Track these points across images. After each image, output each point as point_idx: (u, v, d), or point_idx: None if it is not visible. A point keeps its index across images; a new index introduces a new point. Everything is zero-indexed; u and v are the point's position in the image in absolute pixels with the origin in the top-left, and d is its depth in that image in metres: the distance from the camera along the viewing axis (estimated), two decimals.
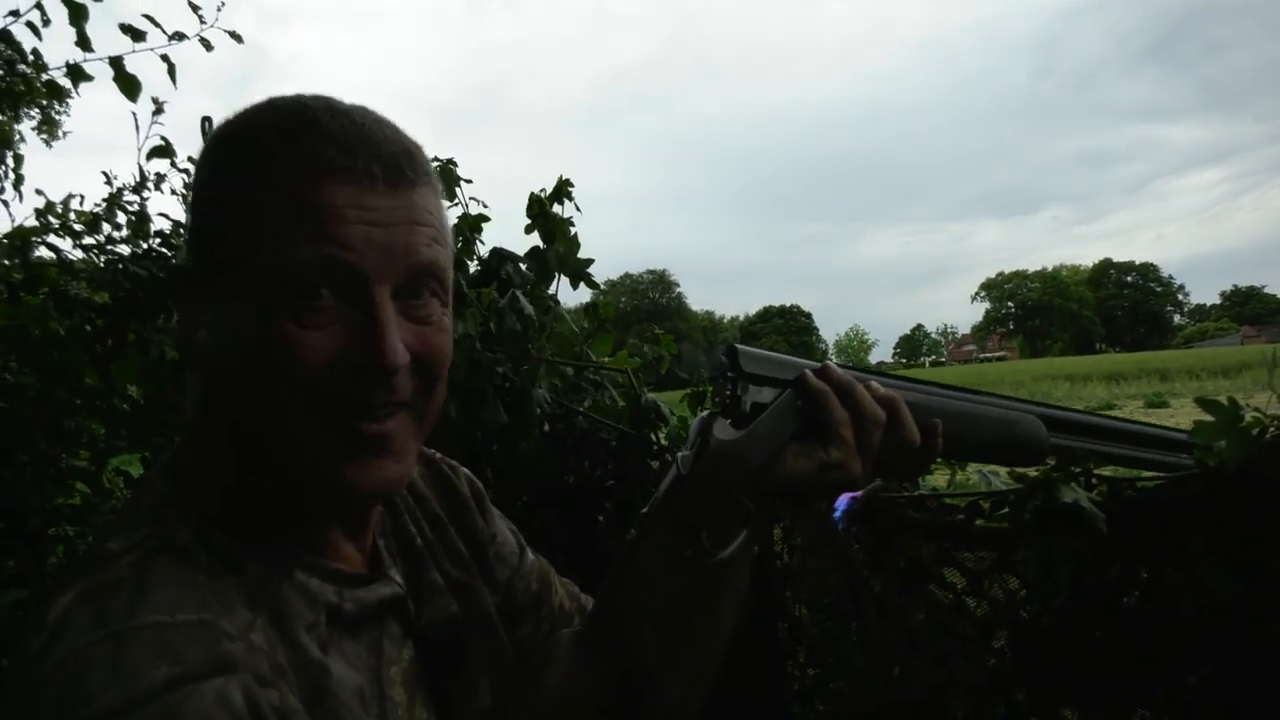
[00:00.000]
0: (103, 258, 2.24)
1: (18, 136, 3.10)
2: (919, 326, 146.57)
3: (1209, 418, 1.25)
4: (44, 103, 3.29)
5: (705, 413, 0.83)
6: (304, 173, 0.65)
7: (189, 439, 0.76)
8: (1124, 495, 1.34)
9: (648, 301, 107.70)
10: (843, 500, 1.62)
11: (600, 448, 2.01)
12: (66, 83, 2.35)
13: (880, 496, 1.60)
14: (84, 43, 2.30)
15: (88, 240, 2.29)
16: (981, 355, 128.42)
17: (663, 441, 1.92)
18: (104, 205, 2.35)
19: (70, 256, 2.23)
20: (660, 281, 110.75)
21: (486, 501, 1.02)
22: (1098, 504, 1.30)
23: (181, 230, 2.30)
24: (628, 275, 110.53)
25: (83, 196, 2.40)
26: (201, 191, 0.71)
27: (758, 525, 0.82)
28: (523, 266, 2.41)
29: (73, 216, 2.36)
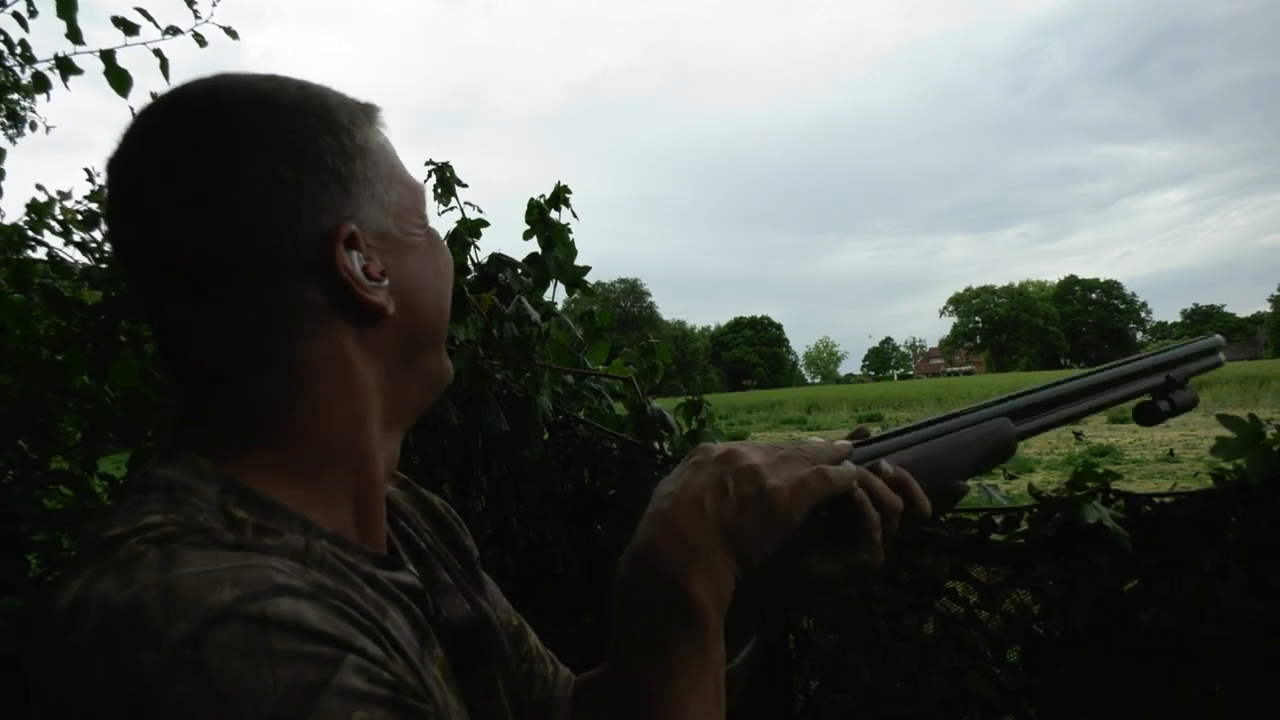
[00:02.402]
0: (95, 256, 2.18)
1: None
2: (888, 339, 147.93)
3: (1229, 433, 1.26)
4: (13, 97, 3.21)
5: None
6: (380, 130, 0.75)
7: (197, 427, 0.70)
8: (1140, 510, 1.35)
9: (619, 310, 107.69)
10: None
11: (603, 456, 1.99)
12: (54, 77, 2.29)
13: None
14: (74, 34, 2.24)
15: (78, 237, 2.23)
16: (949, 369, 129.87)
17: (668, 451, 1.90)
18: (97, 203, 2.28)
19: (62, 255, 2.17)
20: (632, 291, 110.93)
21: (463, 523, 1.00)
22: (1118, 520, 1.31)
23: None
24: (600, 284, 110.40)
25: (69, 193, 2.34)
26: (337, 158, 0.70)
27: (772, 631, 0.81)
28: (520, 273, 2.39)
29: (59, 213, 2.30)
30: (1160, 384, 0.98)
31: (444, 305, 0.78)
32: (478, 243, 2.50)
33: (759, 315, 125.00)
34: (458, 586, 0.87)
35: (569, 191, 2.57)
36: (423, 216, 0.76)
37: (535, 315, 1.94)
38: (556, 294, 2.51)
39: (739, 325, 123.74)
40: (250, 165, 0.66)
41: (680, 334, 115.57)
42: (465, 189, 2.63)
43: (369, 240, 0.70)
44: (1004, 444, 0.88)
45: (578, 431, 2.05)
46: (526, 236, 2.43)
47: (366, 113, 0.74)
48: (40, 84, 2.40)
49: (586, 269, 2.54)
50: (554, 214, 2.52)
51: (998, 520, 1.47)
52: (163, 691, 0.47)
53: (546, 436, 2.10)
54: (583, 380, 2.17)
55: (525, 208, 2.50)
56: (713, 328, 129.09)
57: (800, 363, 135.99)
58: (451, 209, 2.60)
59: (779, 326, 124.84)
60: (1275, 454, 1.21)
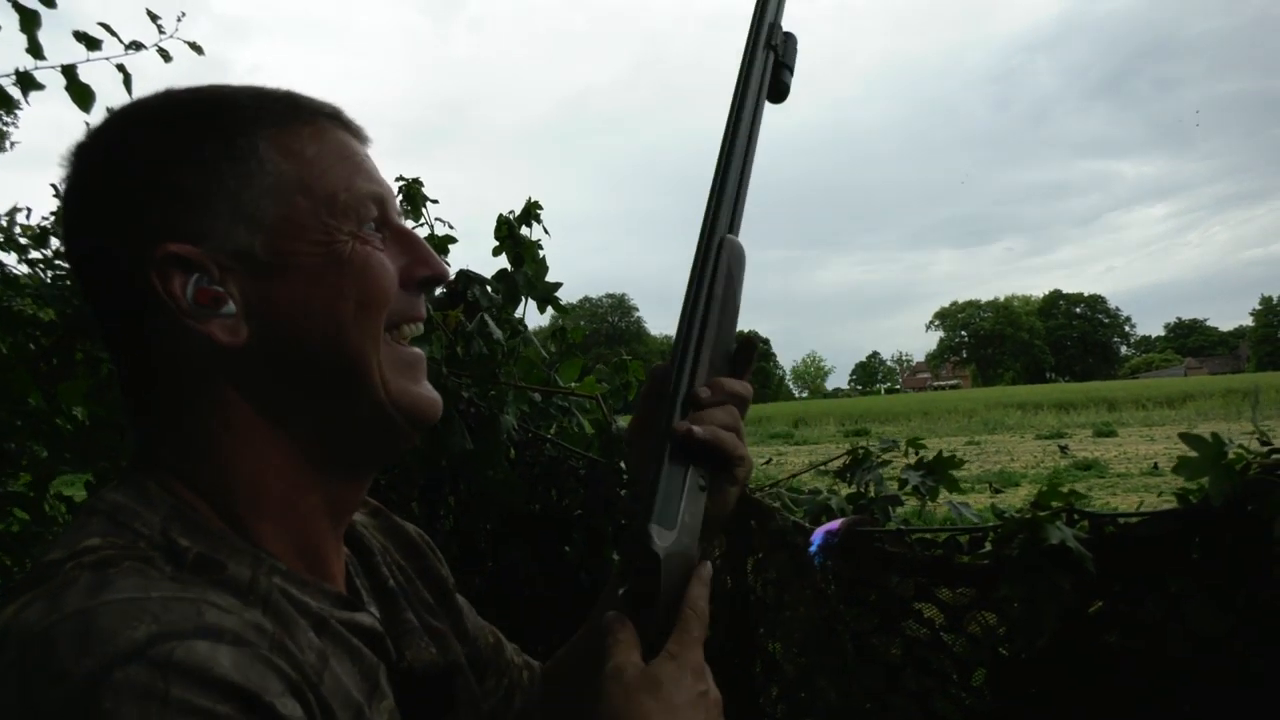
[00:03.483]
0: (49, 273, 2.14)
1: None
2: (875, 354, 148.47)
3: (1192, 453, 1.24)
4: None
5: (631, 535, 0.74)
6: (328, 126, 0.70)
7: (149, 451, 0.67)
8: (1104, 531, 1.33)
9: (606, 325, 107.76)
10: (818, 534, 1.59)
11: (569, 476, 1.96)
12: (15, 92, 2.26)
13: (857, 530, 1.57)
14: (35, 50, 2.21)
15: (34, 255, 2.19)
16: (935, 383, 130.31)
17: None
18: (51, 219, 2.25)
19: (14, 271, 2.13)
20: (620, 306, 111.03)
21: (437, 551, 0.96)
22: (1082, 541, 1.29)
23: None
24: (587, 299, 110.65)
25: (29, 209, 2.31)
26: (198, 170, 0.65)
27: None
28: (489, 289, 2.36)
29: (18, 230, 2.26)
30: (772, 61, 0.91)
31: (342, 333, 0.66)
32: (447, 259, 2.48)
33: (746, 330, 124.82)
34: (425, 629, 0.83)
35: (540, 208, 2.55)
36: (327, 232, 0.66)
37: (498, 333, 1.92)
38: (527, 311, 2.49)
39: None
40: (99, 182, 0.65)
41: (668, 349, 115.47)
42: (436, 204, 2.62)
43: (221, 260, 0.63)
44: (739, 255, 0.87)
45: (545, 450, 2.02)
46: (496, 253, 2.41)
47: (294, 113, 0.69)
48: (4, 100, 2.37)
49: (558, 285, 2.52)
50: (525, 230, 2.50)
51: (963, 540, 1.45)
52: (75, 710, 0.46)
53: (514, 455, 2.07)
54: (550, 399, 2.15)
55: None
56: None
57: (788, 377, 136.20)
58: (421, 225, 2.58)
59: (766, 341, 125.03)
60: (1238, 474, 1.19)
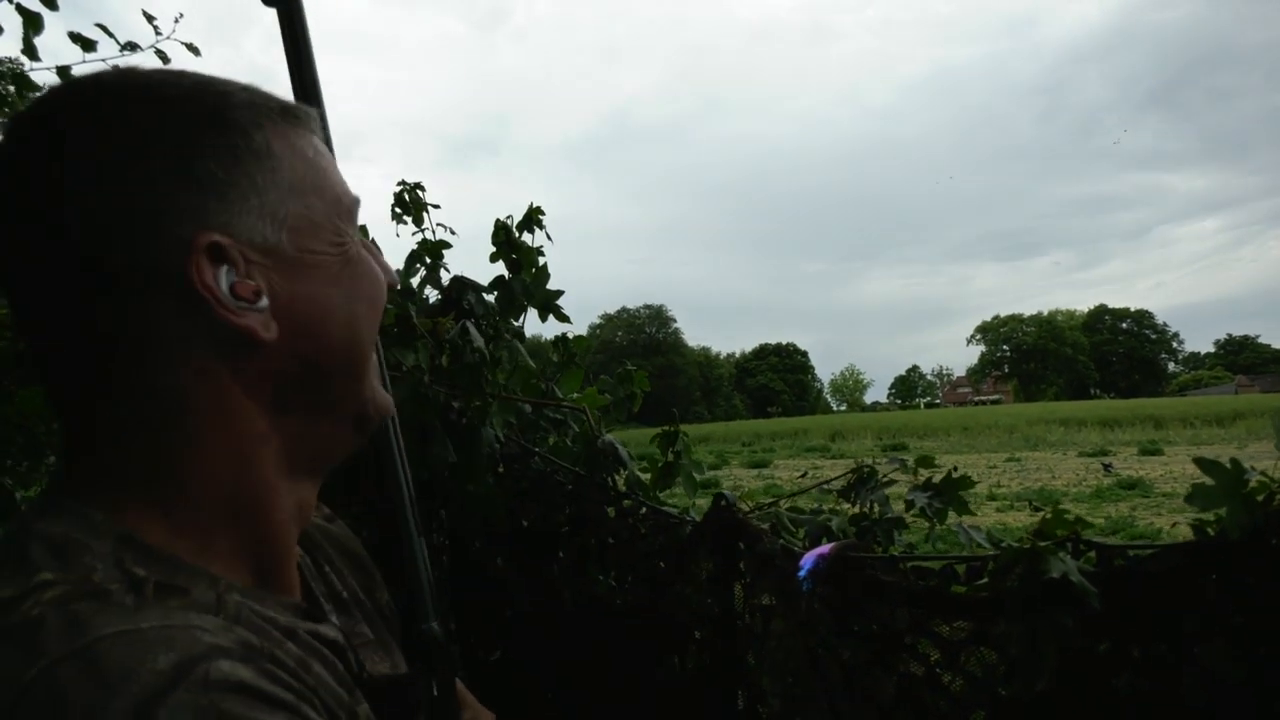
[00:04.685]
0: None
1: None
2: (915, 368, 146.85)
3: (1207, 480, 1.12)
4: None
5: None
6: (315, 134, 0.70)
7: (93, 466, 0.61)
8: (1113, 563, 1.22)
9: (644, 336, 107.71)
10: (808, 558, 1.48)
11: (556, 491, 1.88)
12: (12, 92, 2.24)
13: (850, 555, 1.47)
14: (30, 51, 2.20)
15: None
16: (976, 398, 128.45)
17: (621, 486, 1.78)
18: None
19: None
20: (657, 316, 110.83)
21: (377, 571, 0.91)
22: (1087, 574, 1.18)
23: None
24: (625, 309, 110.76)
25: None
26: (223, 160, 0.62)
27: None
28: (487, 297, 2.29)
29: None
30: None
31: (356, 333, 0.68)
32: (445, 264, 2.42)
33: (784, 342, 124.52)
34: (379, 641, 0.80)
35: (542, 213, 2.48)
36: (339, 233, 0.67)
37: (479, 340, 1.84)
38: (526, 320, 2.42)
39: (764, 352, 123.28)
40: (109, 162, 0.58)
41: (705, 360, 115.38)
42: (438, 209, 2.56)
43: (248, 254, 0.61)
44: None
45: (532, 464, 1.94)
46: (493, 259, 2.34)
47: (287, 114, 0.67)
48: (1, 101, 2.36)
49: (559, 293, 2.44)
50: (527, 236, 2.43)
51: (960, 570, 1.35)
52: None
53: (502, 469, 2.00)
54: (541, 410, 2.07)
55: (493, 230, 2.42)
56: (737, 354, 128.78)
57: (826, 390, 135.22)
58: (424, 230, 2.52)
59: (804, 353, 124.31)
60: (1260, 505, 1.07)
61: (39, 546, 0.55)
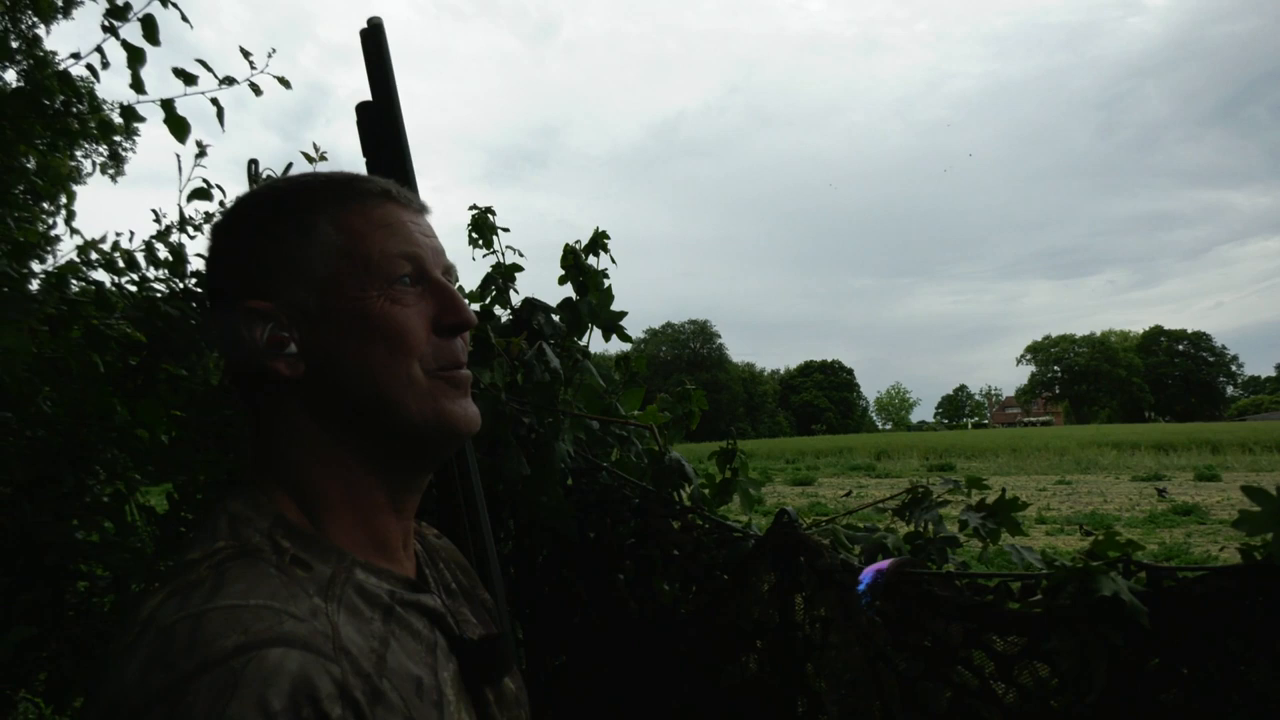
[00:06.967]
0: (140, 294, 2.28)
1: (84, 171, 3.17)
2: (962, 387, 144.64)
3: (1255, 506, 1.19)
4: (116, 138, 3.39)
5: None
6: (378, 202, 0.87)
7: (257, 463, 0.84)
8: (1163, 585, 1.28)
9: (689, 351, 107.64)
10: (867, 573, 1.56)
11: (622, 505, 1.97)
12: (120, 122, 2.41)
13: (907, 571, 1.54)
14: (138, 85, 2.37)
15: (125, 277, 2.33)
16: (1026, 419, 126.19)
17: (685, 501, 1.87)
18: (144, 244, 2.39)
19: (109, 292, 2.27)
20: (702, 332, 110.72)
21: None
22: (1138, 594, 1.24)
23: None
24: (669, 324, 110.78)
25: (132, 233, 2.46)
26: (276, 242, 0.84)
27: None
28: (555, 318, 2.40)
29: (118, 253, 2.41)
30: None
31: (370, 370, 0.82)
32: (515, 286, 2.53)
33: (829, 359, 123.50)
34: (481, 624, 0.99)
35: (607, 237, 2.59)
36: (363, 289, 0.83)
37: (555, 361, 1.95)
38: (591, 339, 2.52)
39: (809, 369, 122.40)
40: (217, 252, 0.87)
41: (749, 376, 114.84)
42: (507, 232, 2.68)
43: (287, 313, 0.82)
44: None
45: (600, 478, 2.04)
46: (561, 282, 2.45)
47: (345, 198, 0.86)
48: (106, 128, 2.53)
49: (622, 314, 2.55)
50: (592, 259, 2.54)
51: (1014, 587, 1.41)
52: (173, 695, 0.60)
53: (570, 483, 2.10)
54: (608, 427, 2.17)
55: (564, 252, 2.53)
56: (782, 371, 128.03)
57: (871, 408, 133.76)
58: (493, 253, 2.64)
59: (850, 371, 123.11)
60: None
61: (225, 518, 0.76)
